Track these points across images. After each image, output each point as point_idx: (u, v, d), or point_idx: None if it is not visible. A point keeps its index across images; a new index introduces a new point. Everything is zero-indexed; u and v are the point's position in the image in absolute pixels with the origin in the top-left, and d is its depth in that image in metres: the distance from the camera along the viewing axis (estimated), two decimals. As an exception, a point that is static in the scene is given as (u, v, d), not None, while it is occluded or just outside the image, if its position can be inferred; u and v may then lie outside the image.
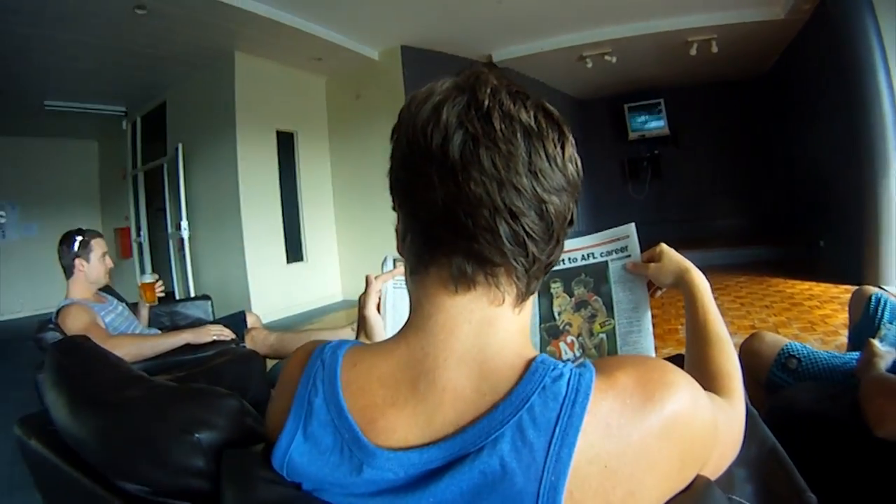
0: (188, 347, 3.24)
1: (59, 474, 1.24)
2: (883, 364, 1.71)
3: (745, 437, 1.04)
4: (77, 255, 3.27)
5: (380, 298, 1.32)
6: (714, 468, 0.81)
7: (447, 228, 0.69)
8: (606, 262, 1.38)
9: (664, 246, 1.33)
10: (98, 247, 3.36)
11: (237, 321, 3.86)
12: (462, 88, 0.73)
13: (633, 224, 1.38)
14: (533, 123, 0.71)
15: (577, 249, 1.42)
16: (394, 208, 0.79)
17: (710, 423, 0.76)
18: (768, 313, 5.46)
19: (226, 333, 3.41)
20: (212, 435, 0.96)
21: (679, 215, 11.77)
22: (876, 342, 1.83)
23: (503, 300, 0.74)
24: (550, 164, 0.71)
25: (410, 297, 0.80)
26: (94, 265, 3.32)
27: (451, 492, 0.65)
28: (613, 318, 1.33)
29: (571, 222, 0.77)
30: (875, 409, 1.44)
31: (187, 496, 0.97)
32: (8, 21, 5.85)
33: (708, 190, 11.68)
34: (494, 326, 0.74)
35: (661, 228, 11.26)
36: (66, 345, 1.57)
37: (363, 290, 1.32)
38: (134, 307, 3.81)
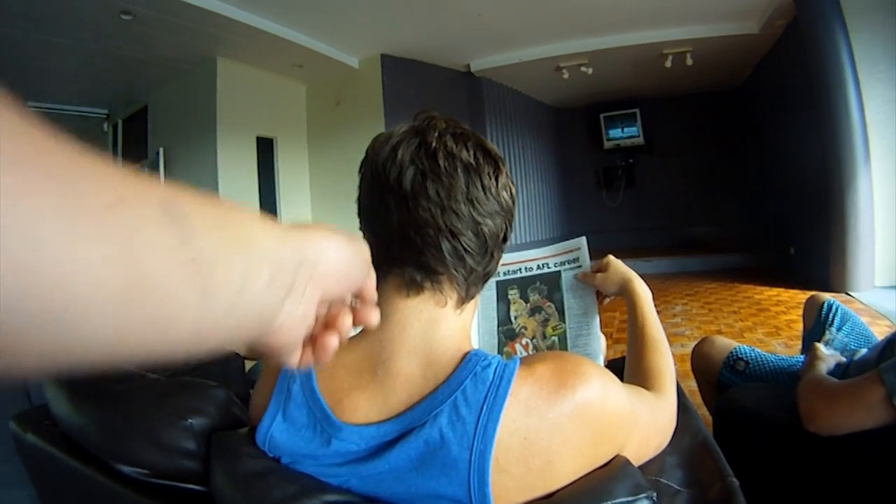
0: None
1: (57, 465, 1.34)
2: (824, 367, 1.80)
3: (679, 428, 1.16)
4: None
5: None
6: (637, 452, 0.95)
7: (401, 244, 0.86)
8: (560, 271, 1.50)
9: (611, 257, 1.45)
10: None
11: None
12: (416, 131, 0.89)
13: (584, 238, 1.51)
14: (472, 160, 0.88)
15: (533, 259, 1.55)
16: (361, 229, 0.94)
17: (623, 410, 0.90)
18: (735, 318, 5.57)
19: None
20: (202, 421, 1.08)
21: (652, 223, 11.89)
22: (820, 346, 1.94)
23: (446, 303, 0.89)
24: (485, 194, 0.88)
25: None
26: None
27: (401, 458, 0.80)
28: (565, 322, 1.45)
29: (505, 239, 0.94)
30: (806, 406, 1.54)
31: (180, 476, 1.09)
32: (-9, 24, 5.85)
33: (681, 199, 11.78)
34: (439, 324, 0.89)
35: (634, 236, 11.41)
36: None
37: None
38: None
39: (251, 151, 8.49)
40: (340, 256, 0.51)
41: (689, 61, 8.52)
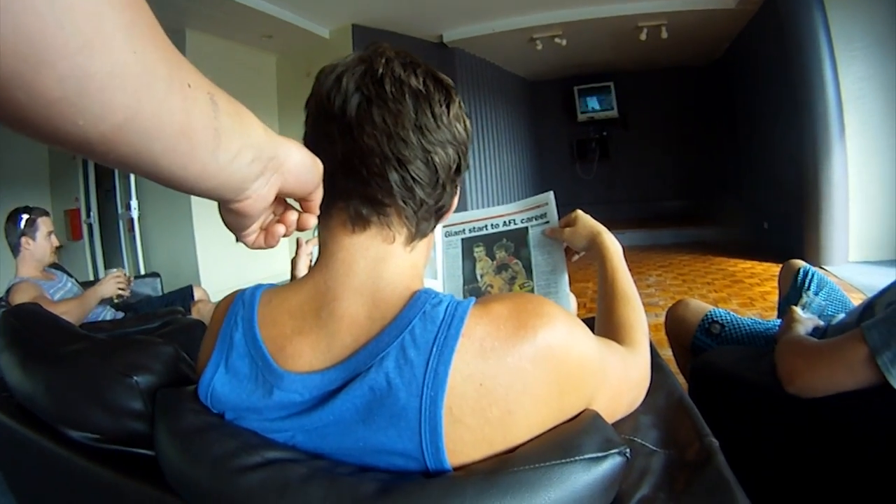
0: (137, 320, 3.33)
1: (13, 436, 1.29)
2: (802, 329, 1.78)
3: (653, 387, 1.11)
4: (23, 234, 3.27)
5: (309, 258, 1.37)
6: (607, 407, 0.89)
7: (345, 176, 0.80)
8: (527, 227, 1.46)
9: (579, 212, 1.43)
10: (44, 225, 3.36)
11: (185, 295, 4.00)
12: (363, 59, 0.84)
13: (551, 192, 1.47)
14: (421, 87, 0.82)
15: (500, 216, 1.50)
16: None
17: (590, 358, 0.84)
18: (709, 289, 5.62)
19: (119, 277, 3.60)
20: (149, 378, 1.02)
21: (626, 196, 11.95)
22: (798, 309, 1.92)
23: (394, 239, 0.84)
24: (436, 122, 0.82)
25: (321, 240, 0.88)
26: (40, 243, 3.33)
27: (346, 408, 0.73)
28: (532, 280, 1.41)
29: (458, 171, 0.88)
30: (786, 367, 1.51)
31: (130, 440, 1.02)
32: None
33: (655, 172, 11.84)
34: (387, 262, 0.83)
35: (608, 208, 11.43)
36: (19, 309, 1.61)
37: (295, 253, 1.40)
38: (84, 285, 3.83)
39: (221, 124, 8.31)
40: (301, 161, 0.67)
41: (665, 35, 8.45)
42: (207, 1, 6.61)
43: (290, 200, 0.72)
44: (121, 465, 1.02)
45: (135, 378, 1.01)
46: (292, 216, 0.71)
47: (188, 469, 0.80)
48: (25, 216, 3.31)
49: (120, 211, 8.76)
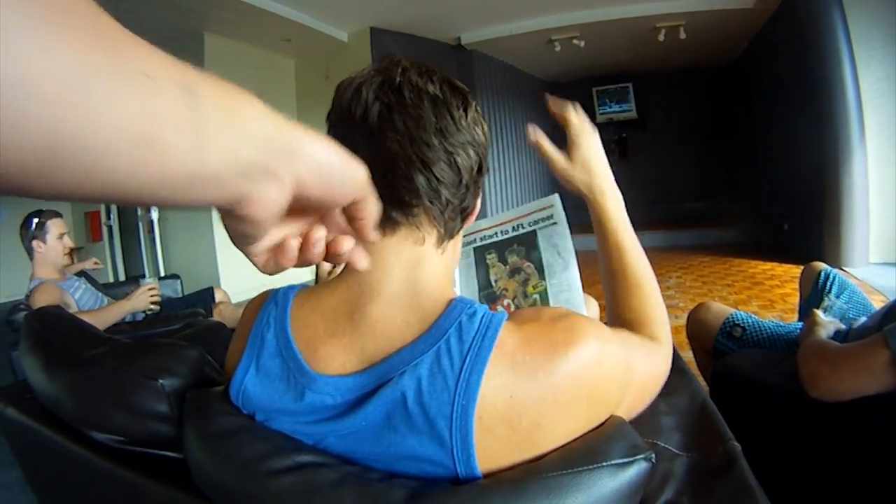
0: (160, 322, 3.33)
1: (37, 438, 1.31)
2: (823, 332, 1.78)
3: (676, 390, 1.11)
4: (34, 237, 3.30)
5: None
6: (632, 405, 0.90)
7: (372, 180, 0.77)
8: (535, 230, 1.48)
9: (580, 138, 1.18)
10: (55, 227, 3.37)
11: (205, 297, 3.99)
12: (379, 71, 0.85)
13: (556, 195, 1.48)
14: (438, 93, 0.83)
15: (508, 222, 1.53)
16: None
17: (620, 368, 0.84)
18: (729, 291, 5.59)
19: (153, 291, 3.55)
20: (174, 381, 1.04)
21: (646, 197, 11.88)
22: (819, 312, 1.91)
23: (424, 240, 0.85)
24: (456, 125, 0.83)
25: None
26: (52, 246, 3.34)
27: (378, 413, 0.74)
28: (545, 280, 1.42)
29: (480, 172, 0.89)
30: (809, 371, 1.50)
31: (155, 442, 1.04)
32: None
33: (675, 173, 11.78)
34: (421, 266, 0.85)
35: (628, 210, 11.32)
36: (41, 312, 1.64)
37: None
38: (96, 284, 3.86)
39: (240, 127, 8.37)
40: (327, 160, 0.53)
41: (683, 35, 8.42)
42: (226, 5, 6.65)
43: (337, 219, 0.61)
44: (145, 466, 1.04)
45: (160, 381, 1.02)
46: (318, 233, 0.57)
47: (217, 471, 0.81)
48: (36, 220, 3.34)
49: (140, 213, 8.81)
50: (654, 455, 0.74)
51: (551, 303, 1.38)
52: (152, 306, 3.57)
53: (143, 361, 1.08)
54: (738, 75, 10.52)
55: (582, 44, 8.92)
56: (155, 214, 8.09)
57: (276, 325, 0.87)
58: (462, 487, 0.70)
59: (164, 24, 7.03)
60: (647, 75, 11.61)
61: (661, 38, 8.57)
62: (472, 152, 0.86)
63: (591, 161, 1.16)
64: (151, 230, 8.31)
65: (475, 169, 0.88)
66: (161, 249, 8.26)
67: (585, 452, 0.72)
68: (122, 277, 9.77)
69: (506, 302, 1.44)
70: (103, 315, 3.21)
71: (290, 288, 0.93)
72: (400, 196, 0.82)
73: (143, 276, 4.33)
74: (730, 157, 11.17)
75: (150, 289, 3.54)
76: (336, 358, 0.82)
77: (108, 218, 10.06)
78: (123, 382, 1.07)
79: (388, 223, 0.84)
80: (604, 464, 0.70)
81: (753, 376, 1.80)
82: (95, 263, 4.02)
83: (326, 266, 1.36)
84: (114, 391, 1.09)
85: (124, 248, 10.07)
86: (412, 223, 0.84)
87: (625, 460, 0.71)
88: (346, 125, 0.84)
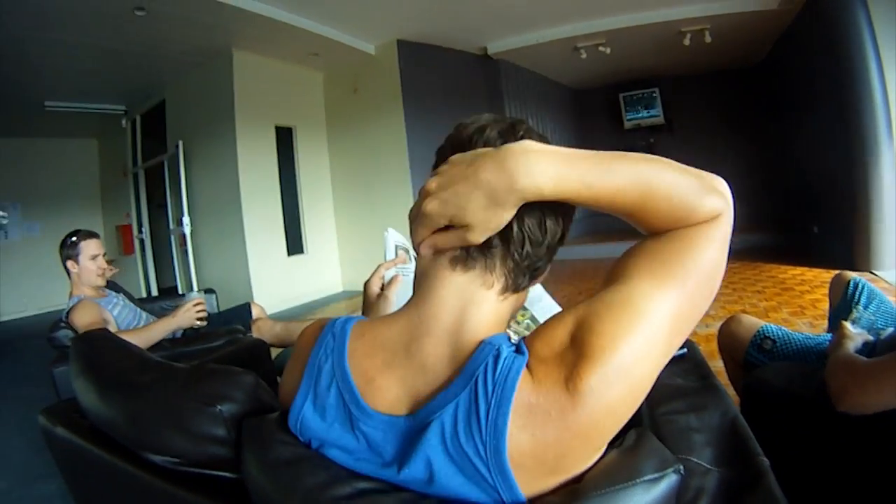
0: (199, 340, 3.34)
1: (86, 457, 1.37)
2: (852, 345, 1.79)
3: (707, 406, 1.15)
4: (68, 257, 3.36)
5: (382, 281, 1.44)
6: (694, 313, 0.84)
7: None
8: None
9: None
10: (88, 248, 3.40)
11: (243, 312, 3.95)
12: (502, 121, 0.93)
13: None
14: None
15: None
16: None
17: (650, 355, 0.78)
18: (759, 298, 5.54)
19: (200, 307, 3.49)
20: (232, 407, 1.09)
21: (675, 202, 11.84)
22: (847, 324, 1.92)
23: (492, 285, 0.88)
24: None
25: (421, 271, 0.93)
26: (84, 266, 3.38)
27: (422, 460, 0.79)
28: (529, 309, 1.52)
29: (561, 241, 0.92)
30: (837, 385, 1.52)
31: (211, 464, 1.10)
32: (8, 23, 5.92)
33: (703, 177, 11.71)
34: (476, 307, 0.87)
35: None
36: (89, 337, 1.69)
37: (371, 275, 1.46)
38: (133, 300, 3.87)
39: (270, 141, 8.56)
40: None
41: (708, 39, 8.42)
42: (253, 22, 6.76)
43: None
44: (202, 486, 1.09)
45: (219, 407, 1.08)
46: None
47: (280, 498, 0.86)
48: (70, 240, 3.39)
49: (172, 226, 8.92)
50: (682, 467, 0.77)
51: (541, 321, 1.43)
52: (198, 322, 3.49)
53: (200, 387, 1.14)
54: (764, 77, 10.45)
55: (608, 50, 8.94)
56: (187, 228, 8.23)
57: (334, 356, 0.91)
58: None
59: (194, 42, 7.21)
60: (673, 80, 11.61)
61: (687, 42, 8.56)
62: (560, 221, 0.90)
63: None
64: (184, 243, 8.42)
65: (558, 236, 0.91)
66: (194, 263, 8.38)
67: (619, 471, 0.76)
68: (154, 291, 9.95)
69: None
70: (147, 334, 3.21)
71: (348, 319, 0.96)
72: (489, 237, 0.84)
73: (187, 290, 4.30)
74: (757, 159, 11.09)
75: (196, 303, 3.49)
76: (391, 390, 0.86)
77: (140, 231, 10.21)
78: (182, 409, 1.13)
79: (465, 260, 0.87)
80: (637, 481, 0.74)
81: (784, 389, 1.82)
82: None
83: (375, 289, 1.40)
84: (172, 417, 1.14)
85: (156, 261, 10.22)
86: (487, 266, 0.87)
87: (656, 475, 0.75)
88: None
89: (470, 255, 0.87)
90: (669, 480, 0.76)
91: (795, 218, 9.11)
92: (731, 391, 2.24)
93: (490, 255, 0.87)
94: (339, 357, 0.90)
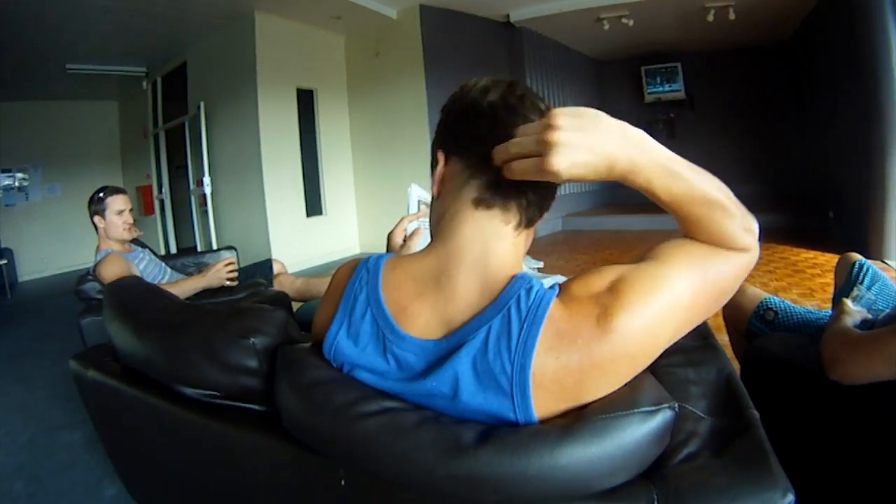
0: (222, 291, 3.46)
1: (119, 396, 1.46)
2: (850, 321, 1.82)
3: (705, 361, 1.24)
4: (95, 212, 3.41)
5: (404, 233, 1.53)
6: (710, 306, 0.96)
7: (488, 159, 0.95)
8: None
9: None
10: (114, 203, 3.44)
11: (265, 268, 4.05)
12: (502, 83, 1.03)
13: None
14: (545, 111, 0.97)
15: None
16: (434, 159, 1.07)
17: (668, 327, 0.89)
18: (770, 278, 5.56)
19: (230, 267, 3.57)
20: (264, 340, 1.18)
21: (693, 180, 11.77)
22: (848, 301, 1.97)
23: (509, 221, 0.99)
24: None
25: (443, 213, 1.04)
26: (111, 221, 3.42)
27: (450, 377, 0.88)
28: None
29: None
30: (829, 354, 1.57)
31: (243, 396, 1.19)
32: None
33: (722, 155, 11.52)
34: (498, 243, 0.98)
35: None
36: (121, 284, 1.77)
37: (394, 227, 1.57)
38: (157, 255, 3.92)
39: (291, 103, 8.62)
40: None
41: (732, 16, 8.38)
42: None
43: None
44: (234, 418, 1.18)
45: (252, 340, 1.16)
46: None
47: (310, 417, 0.95)
48: (98, 196, 3.44)
49: (192, 187, 8.97)
50: (676, 405, 0.85)
51: None
52: (228, 282, 3.56)
53: (234, 323, 1.22)
54: (787, 57, 10.37)
55: (631, 23, 8.91)
56: (208, 189, 8.32)
57: (369, 287, 1.00)
58: (523, 427, 0.84)
59: (216, 4, 7.22)
60: (695, 54, 11.52)
61: (711, 18, 8.52)
62: None
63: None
64: (204, 204, 8.52)
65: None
66: (214, 223, 8.47)
67: (621, 402, 0.85)
68: (173, 250, 10.03)
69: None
70: (177, 289, 3.27)
71: (381, 256, 1.06)
72: (507, 182, 0.94)
73: (215, 250, 4.32)
74: (777, 140, 11.06)
75: (227, 263, 3.57)
76: (422, 315, 0.95)
77: (160, 192, 10.28)
78: (217, 342, 1.21)
79: (485, 201, 0.97)
80: (635, 411, 0.82)
81: (782, 357, 1.87)
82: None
83: (398, 240, 1.49)
84: (207, 350, 1.22)
85: (176, 222, 10.33)
86: (505, 206, 0.98)
87: (653, 408, 0.83)
88: (473, 114, 1.00)
89: (490, 199, 0.97)
90: (665, 415, 0.84)
91: (812, 202, 9.07)
92: (735, 364, 2.30)
93: (507, 196, 0.97)
94: (374, 288, 1.00)
